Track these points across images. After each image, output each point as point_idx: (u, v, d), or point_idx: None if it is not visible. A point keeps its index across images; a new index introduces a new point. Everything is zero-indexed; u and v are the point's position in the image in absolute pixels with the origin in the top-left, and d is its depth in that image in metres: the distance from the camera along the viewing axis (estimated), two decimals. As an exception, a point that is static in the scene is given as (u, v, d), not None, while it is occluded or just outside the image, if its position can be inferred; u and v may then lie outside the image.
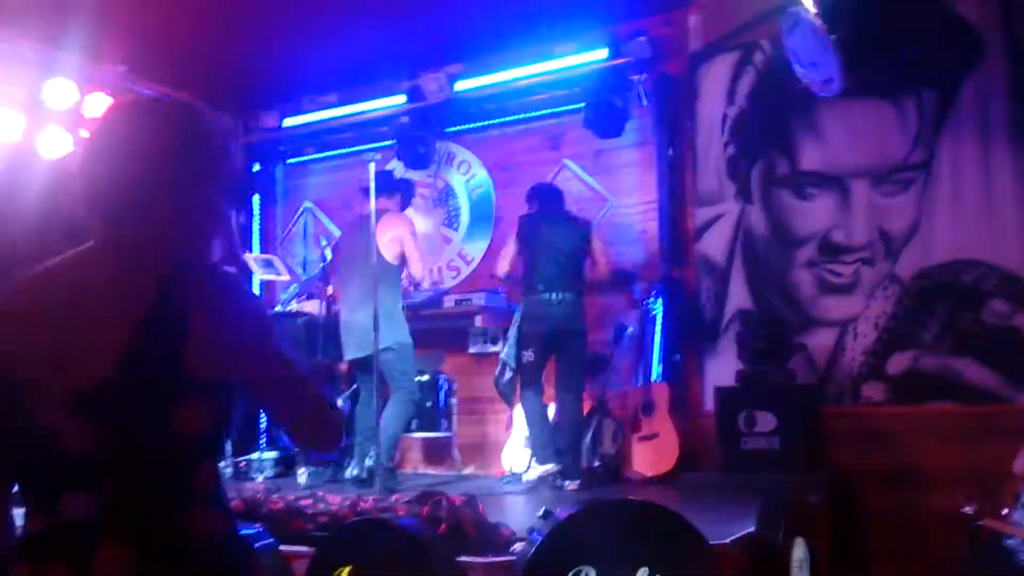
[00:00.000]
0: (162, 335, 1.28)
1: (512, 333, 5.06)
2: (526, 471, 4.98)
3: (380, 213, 4.94)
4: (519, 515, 3.95)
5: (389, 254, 5.00)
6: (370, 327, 4.70)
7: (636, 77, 5.57)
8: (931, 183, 4.64)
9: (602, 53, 5.59)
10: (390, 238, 5.02)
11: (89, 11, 5.10)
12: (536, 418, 4.87)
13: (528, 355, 4.89)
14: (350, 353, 5.11)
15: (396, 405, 4.99)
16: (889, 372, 4.68)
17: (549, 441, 4.81)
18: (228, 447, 6.00)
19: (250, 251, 6.84)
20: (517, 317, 5.03)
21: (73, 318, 1.30)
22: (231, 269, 1.56)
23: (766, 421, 4.49)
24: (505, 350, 5.13)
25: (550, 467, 4.75)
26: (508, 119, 6.16)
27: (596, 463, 5.12)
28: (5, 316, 1.34)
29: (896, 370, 4.66)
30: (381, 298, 4.76)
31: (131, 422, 1.27)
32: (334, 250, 5.63)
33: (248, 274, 6.44)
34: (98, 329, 1.28)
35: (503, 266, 5.19)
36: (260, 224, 7.14)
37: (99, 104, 5.81)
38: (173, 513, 1.28)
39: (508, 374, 5.11)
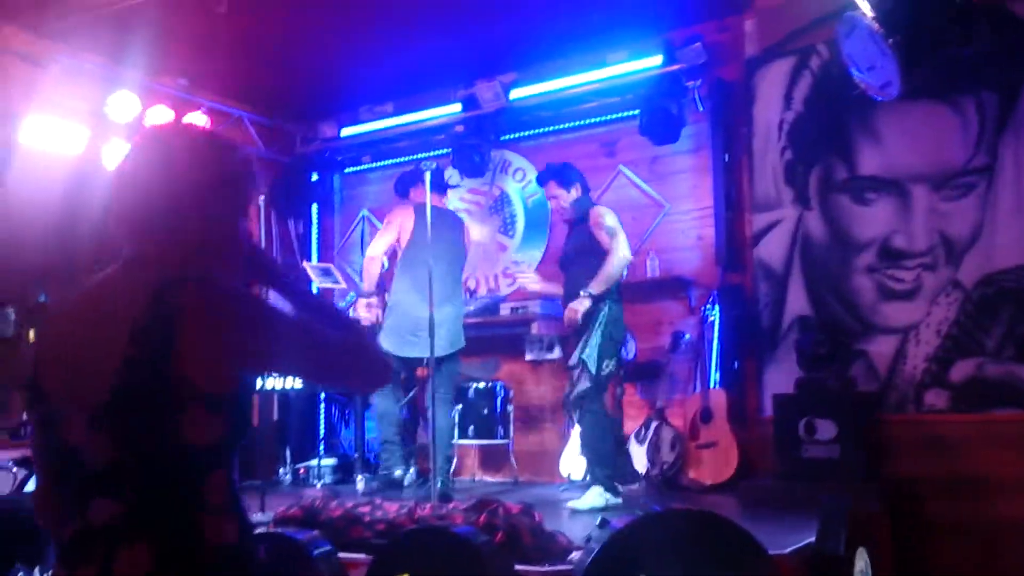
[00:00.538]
0: (153, 347, 1.32)
1: (597, 336, 4.51)
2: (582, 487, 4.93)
3: (452, 212, 5.12)
4: (576, 524, 3.95)
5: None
6: (455, 326, 4.89)
7: (691, 83, 5.55)
8: (993, 187, 4.52)
9: (656, 59, 5.57)
10: (468, 242, 5.26)
11: (150, 25, 5.26)
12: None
13: (611, 365, 4.56)
14: (423, 351, 4.72)
15: (447, 413, 5.07)
16: (952, 379, 4.57)
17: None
18: (288, 454, 6.12)
19: (309, 260, 6.96)
20: (603, 319, 4.54)
21: (88, 336, 1.38)
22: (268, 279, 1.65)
23: (826, 429, 4.42)
24: (587, 353, 4.54)
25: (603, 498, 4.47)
26: (563, 126, 6.17)
27: (654, 471, 5.10)
28: (43, 337, 1.44)
29: (959, 377, 4.55)
30: (459, 300, 4.96)
31: (139, 433, 1.33)
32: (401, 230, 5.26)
33: (308, 282, 6.55)
34: (103, 345, 1.34)
35: None
36: (318, 233, 7.25)
37: (160, 116, 5.97)
38: (185, 520, 1.34)
39: (585, 383, 4.52)
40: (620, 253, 4.58)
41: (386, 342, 5.00)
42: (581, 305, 4.49)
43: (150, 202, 1.42)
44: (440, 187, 5.40)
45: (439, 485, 4.57)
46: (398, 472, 5.17)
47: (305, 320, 1.56)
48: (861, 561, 3.24)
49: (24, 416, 6.80)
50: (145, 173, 1.44)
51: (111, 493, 1.32)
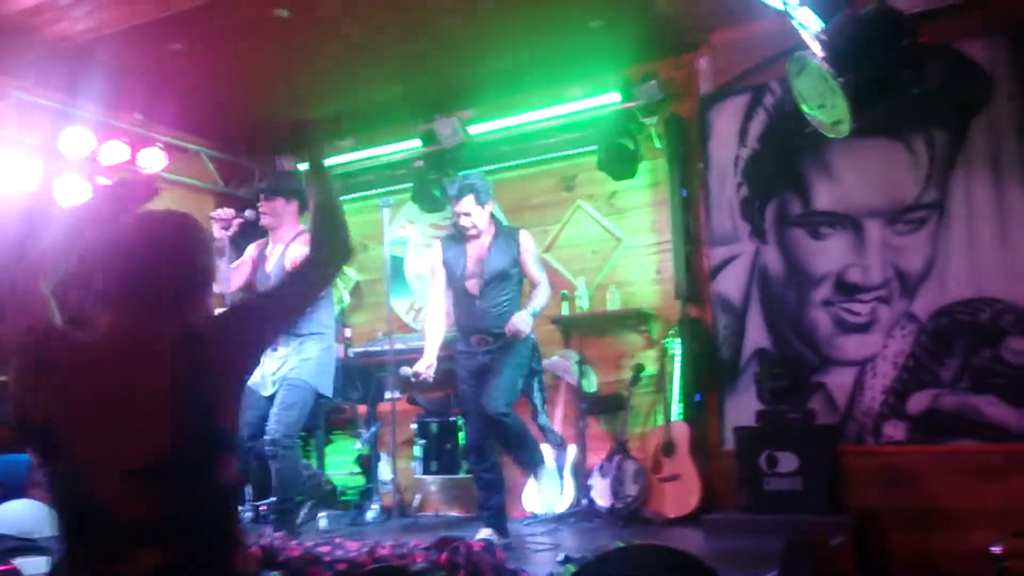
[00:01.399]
0: (197, 406, 1.49)
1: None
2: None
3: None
4: (539, 560, 3.92)
5: None
6: None
7: (648, 119, 5.63)
8: (945, 222, 4.64)
9: (614, 96, 5.64)
10: None
11: (105, 62, 5.23)
12: None
13: None
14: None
15: None
16: (909, 411, 4.64)
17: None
18: (248, 491, 6.00)
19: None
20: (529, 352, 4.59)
21: (113, 399, 1.49)
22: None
23: (788, 461, 4.45)
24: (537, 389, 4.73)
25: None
26: (522, 161, 6.20)
27: (618, 504, 5.09)
28: (63, 400, 1.52)
29: (916, 409, 4.62)
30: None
31: (185, 486, 1.46)
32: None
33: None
34: (138, 404, 1.48)
35: None
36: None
37: (115, 152, 5.91)
38: (227, 560, 1.48)
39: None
40: (547, 288, 4.53)
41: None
42: (526, 323, 4.36)
43: (143, 273, 1.64)
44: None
45: None
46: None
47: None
48: (823, 593, 3.25)
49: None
50: (135, 250, 1.67)
51: (155, 543, 1.42)
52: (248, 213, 5.03)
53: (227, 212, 4.79)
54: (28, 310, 1.67)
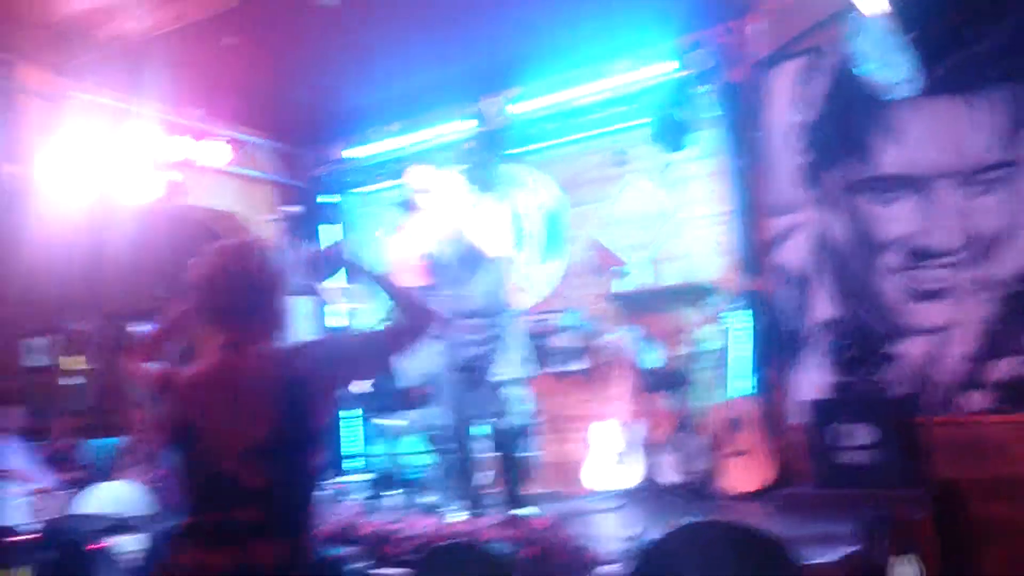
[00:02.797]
0: (293, 403, 1.96)
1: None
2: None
3: None
4: (604, 537, 3.90)
5: None
6: None
7: (701, 88, 5.51)
8: (1022, 180, 4.45)
9: (665, 66, 5.54)
10: None
11: (163, 59, 5.32)
12: None
13: None
14: None
15: None
16: (991, 379, 4.48)
17: None
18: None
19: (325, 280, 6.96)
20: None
21: (231, 396, 1.99)
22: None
23: (861, 434, 4.34)
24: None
25: None
26: (572, 138, 6.14)
27: (684, 481, 5.04)
28: (191, 389, 2.04)
29: (998, 376, 4.46)
30: None
31: (282, 467, 1.94)
32: None
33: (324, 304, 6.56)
34: (248, 404, 1.97)
35: None
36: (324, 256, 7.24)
37: (179, 147, 6.02)
38: (303, 531, 1.97)
39: None
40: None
41: None
42: None
43: (238, 298, 2.06)
44: None
45: None
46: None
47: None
48: (908, 568, 3.17)
49: (58, 441, 6.94)
50: (230, 278, 2.07)
51: (254, 504, 1.92)
52: (293, 208, 5.06)
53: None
54: (139, 378, 2.15)
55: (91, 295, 9.01)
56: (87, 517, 4.70)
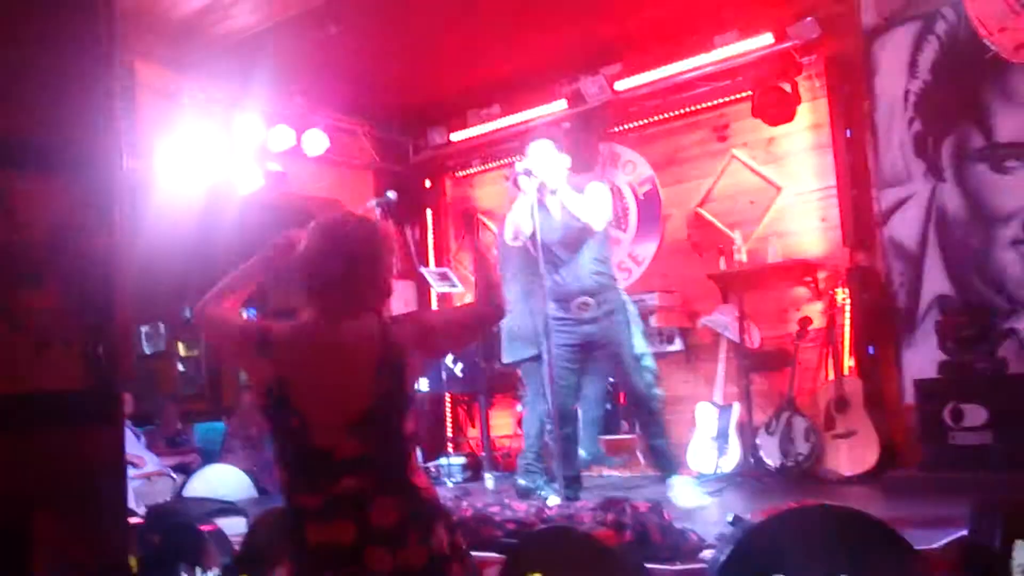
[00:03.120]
0: (394, 374, 2.01)
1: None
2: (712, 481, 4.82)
3: None
4: (707, 520, 3.86)
5: None
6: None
7: (806, 59, 5.33)
8: None
9: (767, 38, 5.38)
10: None
11: (268, 51, 5.49)
12: None
13: None
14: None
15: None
16: (1119, 356, 4.23)
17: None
18: (418, 453, 6.25)
19: (426, 265, 7.08)
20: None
21: (339, 370, 2.01)
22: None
23: (976, 415, 4.15)
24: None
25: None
26: (671, 114, 6.04)
27: (788, 463, 4.93)
28: (290, 354, 2.03)
29: (1124, 353, 4.20)
30: None
31: (384, 433, 2.00)
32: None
33: (426, 287, 6.67)
34: (355, 376, 2.00)
35: None
36: (433, 238, 7.36)
37: (282, 137, 6.20)
38: (410, 484, 2.00)
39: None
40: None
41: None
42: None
43: (339, 269, 2.06)
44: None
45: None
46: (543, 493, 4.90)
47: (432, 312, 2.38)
48: (1021, 554, 3.02)
49: (179, 425, 7.26)
50: (331, 251, 2.07)
51: (356, 473, 1.94)
52: (390, 195, 5.13)
53: None
54: (232, 325, 2.15)
55: (202, 283, 9.42)
56: (196, 500, 4.86)
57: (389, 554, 1.92)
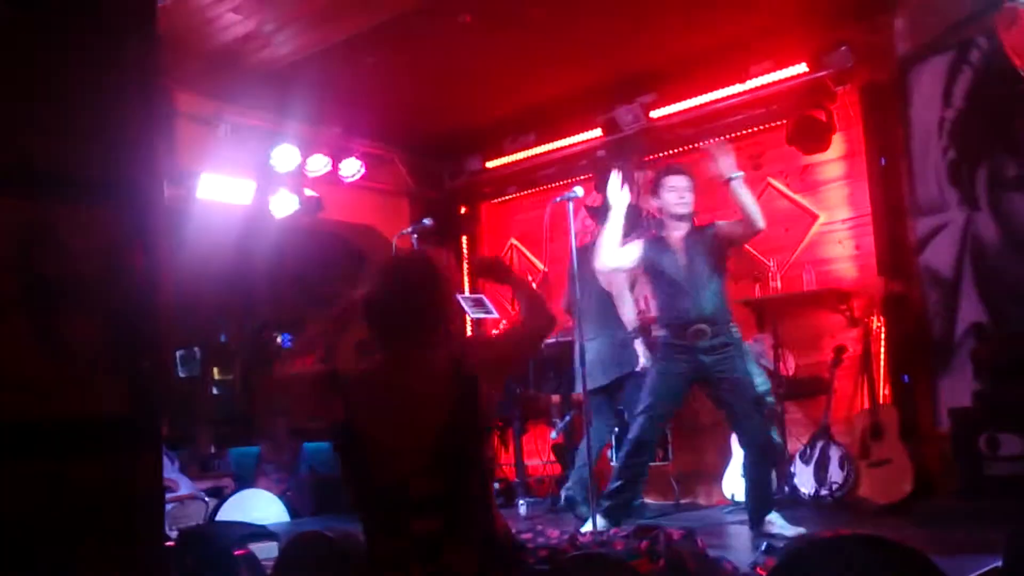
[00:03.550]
0: (467, 405, 1.99)
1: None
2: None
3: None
4: (741, 549, 3.85)
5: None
6: (608, 357, 4.91)
7: (840, 88, 5.36)
8: None
9: (802, 66, 5.42)
10: None
11: (306, 80, 5.62)
12: None
13: None
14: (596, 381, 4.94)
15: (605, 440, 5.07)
16: None
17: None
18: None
19: (461, 292, 7.14)
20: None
21: (410, 404, 2.01)
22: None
23: (1011, 444, 4.11)
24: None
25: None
26: (707, 142, 6.06)
27: (822, 491, 4.90)
28: (363, 393, 2.05)
29: None
30: (607, 330, 4.97)
31: (459, 471, 1.94)
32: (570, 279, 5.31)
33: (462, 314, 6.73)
34: (427, 409, 1.98)
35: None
36: (468, 265, 7.44)
37: (318, 164, 6.32)
38: (490, 523, 1.95)
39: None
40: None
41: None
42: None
43: (404, 308, 2.09)
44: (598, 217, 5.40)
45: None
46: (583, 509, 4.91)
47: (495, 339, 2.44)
48: (1058, 587, 2.99)
49: (212, 449, 7.33)
50: (395, 289, 2.11)
51: (435, 513, 1.89)
52: (426, 221, 5.20)
53: None
54: (303, 378, 2.17)
55: (240, 306, 9.55)
56: (228, 524, 4.89)
57: None
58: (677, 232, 4.34)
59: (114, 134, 1.98)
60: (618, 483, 4.32)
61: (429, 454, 1.93)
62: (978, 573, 2.89)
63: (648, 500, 5.95)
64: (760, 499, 4.21)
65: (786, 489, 5.06)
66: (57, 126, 1.90)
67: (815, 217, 5.61)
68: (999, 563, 2.89)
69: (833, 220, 5.53)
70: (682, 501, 5.59)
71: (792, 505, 4.93)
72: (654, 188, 4.48)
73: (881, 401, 4.97)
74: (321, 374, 2.15)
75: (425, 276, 2.14)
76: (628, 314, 4.98)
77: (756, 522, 4.15)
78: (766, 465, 4.22)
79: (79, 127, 1.94)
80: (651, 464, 5.66)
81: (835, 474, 4.90)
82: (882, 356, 5.04)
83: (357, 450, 1.99)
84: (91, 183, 1.93)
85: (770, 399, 4.46)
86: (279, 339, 2.64)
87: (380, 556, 1.94)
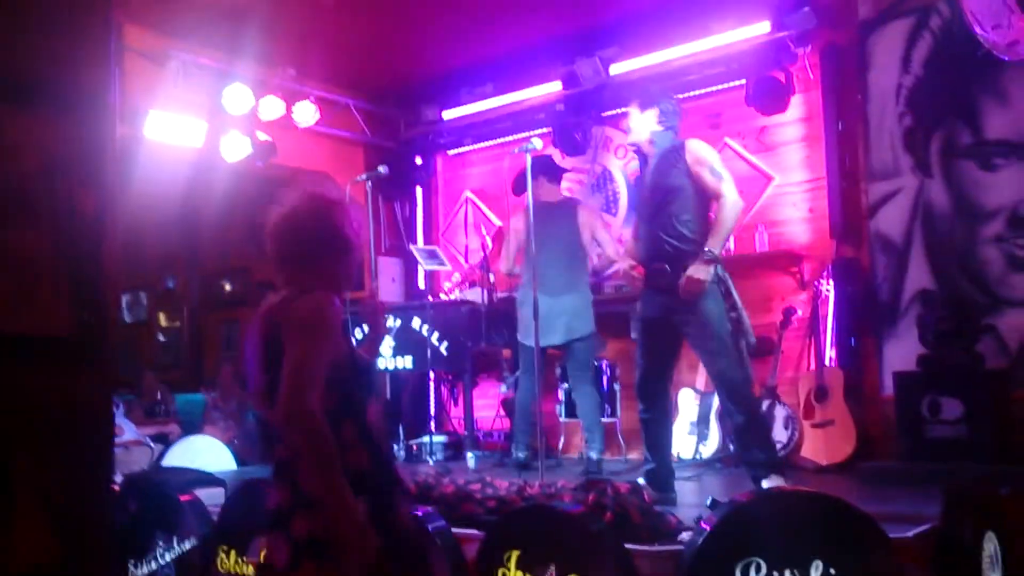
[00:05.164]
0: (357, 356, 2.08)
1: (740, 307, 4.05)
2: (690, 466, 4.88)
3: (563, 200, 5.26)
4: (685, 503, 3.90)
5: (584, 241, 5.15)
6: (573, 314, 4.98)
7: (800, 49, 5.34)
8: None
9: (762, 27, 5.39)
10: (581, 224, 5.15)
11: (260, 20, 5.43)
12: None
13: None
14: (551, 339, 4.93)
15: (592, 397, 5.15)
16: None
17: None
18: (400, 431, 6.27)
19: (415, 242, 7.07)
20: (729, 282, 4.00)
21: (261, 346, 2.03)
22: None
23: (952, 408, 4.21)
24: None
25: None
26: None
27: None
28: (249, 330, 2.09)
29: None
30: (582, 286, 5.07)
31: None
32: (515, 235, 5.35)
33: (414, 265, 6.66)
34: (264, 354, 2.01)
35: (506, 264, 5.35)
36: (423, 215, 7.35)
37: (271, 107, 6.16)
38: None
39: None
40: (733, 197, 3.86)
41: (520, 334, 5.14)
42: (705, 272, 3.78)
43: (306, 247, 2.09)
44: (553, 175, 5.37)
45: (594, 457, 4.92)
46: (522, 454, 5.17)
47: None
48: (990, 546, 3.08)
49: (158, 395, 7.22)
50: (298, 229, 2.10)
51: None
52: (381, 169, 5.14)
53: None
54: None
55: (186, 253, 9.37)
56: (174, 470, 4.86)
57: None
58: (649, 158, 4.10)
59: (65, 41, 1.88)
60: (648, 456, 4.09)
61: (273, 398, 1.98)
62: (916, 531, 2.96)
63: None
64: (747, 453, 3.93)
65: (730, 447, 5.14)
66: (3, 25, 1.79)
67: (770, 179, 5.62)
68: (937, 523, 2.96)
69: (788, 182, 5.55)
70: (629, 456, 5.65)
71: (735, 463, 5.02)
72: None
73: (827, 363, 5.05)
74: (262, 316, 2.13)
75: (320, 219, 2.11)
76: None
77: (754, 481, 3.87)
78: (744, 416, 3.86)
79: (24, 26, 1.82)
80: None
81: (779, 433, 4.99)
82: (830, 319, 5.11)
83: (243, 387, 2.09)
84: (36, 87, 1.82)
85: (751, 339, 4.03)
86: (226, 286, 2.58)
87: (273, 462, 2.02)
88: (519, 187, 5.50)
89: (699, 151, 3.96)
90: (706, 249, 3.80)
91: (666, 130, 4.04)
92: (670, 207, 3.92)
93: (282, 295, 2.07)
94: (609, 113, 6.26)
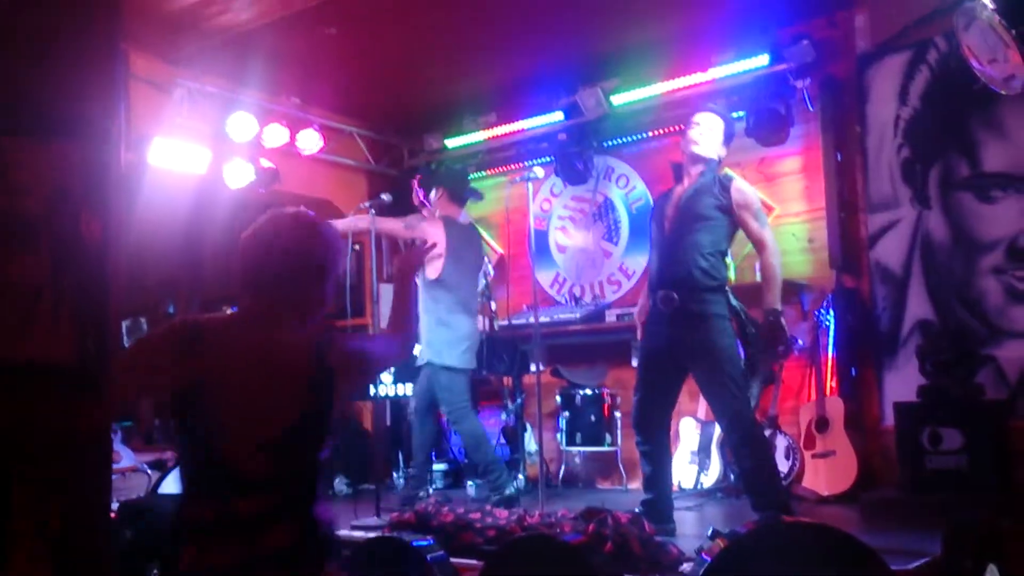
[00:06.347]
0: (322, 399, 1.94)
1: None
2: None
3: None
4: (687, 534, 3.89)
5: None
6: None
7: (799, 82, 5.40)
8: None
9: (762, 59, 5.45)
10: None
11: (265, 49, 5.50)
12: None
13: None
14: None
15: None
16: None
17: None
18: (400, 459, 6.25)
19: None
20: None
21: (265, 385, 1.90)
22: None
23: (952, 438, 4.21)
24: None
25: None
26: (666, 130, 6.09)
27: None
28: (213, 375, 1.89)
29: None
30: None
31: (297, 456, 1.91)
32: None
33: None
34: (277, 388, 1.90)
35: None
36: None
37: (275, 135, 6.21)
38: (312, 509, 1.91)
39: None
40: (775, 246, 3.91)
41: (465, 359, 5.04)
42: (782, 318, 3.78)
43: (276, 266, 1.99)
44: (459, 199, 5.46)
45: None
46: (509, 491, 4.95)
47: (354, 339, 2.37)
48: (991, 578, 3.07)
49: (156, 422, 7.21)
50: (270, 246, 2.01)
51: (264, 494, 1.84)
52: (384, 197, 5.20)
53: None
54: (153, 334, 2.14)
55: (189, 279, 9.38)
56: (171, 497, 4.83)
57: None
58: (688, 178, 4.05)
59: (73, 72, 1.90)
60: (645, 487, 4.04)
61: (273, 437, 1.88)
62: (917, 563, 2.95)
63: (595, 484, 5.99)
64: (753, 492, 3.87)
65: (731, 477, 5.13)
66: (9, 54, 1.82)
67: (770, 209, 5.65)
68: (938, 555, 2.96)
69: (788, 212, 5.59)
70: (629, 486, 5.63)
71: (737, 493, 5.01)
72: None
73: (828, 393, 5.05)
74: (175, 324, 1.99)
75: (303, 241, 2.03)
76: None
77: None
78: (747, 450, 3.83)
79: (33, 58, 1.85)
80: (600, 449, 5.74)
81: (780, 464, 4.98)
82: (831, 349, 5.11)
83: (198, 416, 1.88)
84: (44, 118, 1.85)
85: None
86: (228, 312, 2.59)
87: (192, 523, 1.87)
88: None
89: (747, 193, 3.98)
90: (775, 308, 3.84)
91: (720, 156, 4.06)
92: (696, 236, 3.90)
93: (294, 328, 1.98)
94: (611, 143, 6.31)
